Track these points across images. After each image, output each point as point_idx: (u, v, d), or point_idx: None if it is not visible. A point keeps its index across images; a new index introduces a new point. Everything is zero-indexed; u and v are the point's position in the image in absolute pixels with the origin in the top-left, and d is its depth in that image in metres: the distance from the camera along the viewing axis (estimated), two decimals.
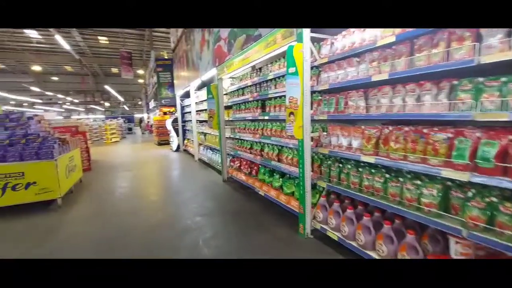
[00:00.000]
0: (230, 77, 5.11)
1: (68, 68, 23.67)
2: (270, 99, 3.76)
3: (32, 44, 16.86)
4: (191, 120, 8.29)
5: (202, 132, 7.44)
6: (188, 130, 9.59)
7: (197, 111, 7.80)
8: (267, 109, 3.88)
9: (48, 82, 25.60)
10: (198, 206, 3.92)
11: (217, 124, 5.23)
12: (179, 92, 9.57)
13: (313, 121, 2.71)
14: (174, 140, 10.32)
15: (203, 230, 3.09)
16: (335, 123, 2.71)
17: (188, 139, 9.60)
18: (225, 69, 4.57)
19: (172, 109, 12.58)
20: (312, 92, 2.75)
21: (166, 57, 13.39)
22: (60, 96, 26.06)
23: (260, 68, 4.00)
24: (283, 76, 3.35)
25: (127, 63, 16.42)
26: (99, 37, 16.74)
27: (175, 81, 10.91)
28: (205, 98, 6.51)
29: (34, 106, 27.27)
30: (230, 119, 5.22)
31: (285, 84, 2.66)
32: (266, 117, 3.77)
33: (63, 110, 31.00)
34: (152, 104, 18.73)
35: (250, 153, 4.45)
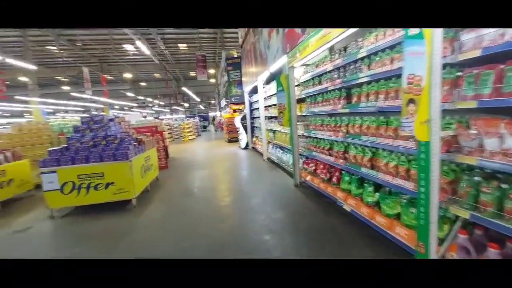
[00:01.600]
0: (303, 64, 4.33)
1: (157, 75, 27.06)
2: (359, 85, 2.84)
3: (129, 57, 19.69)
4: (259, 117, 7.89)
5: (271, 130, 6.91)
6: (256, 127, 9.27)
7: (265, 106, 7.31)
8: (354, 99, 2.97)
9: (141, 88, 29.93)
10: (266, 217, 3.33)
11: (288, 121, 4.55)
12: (247, 88, 9.32)
13: (443, 112, 1.72)
14: (243, 138, 10.19)
15: (273, 255, 2.46)
16: (489, 115, 1.65)
17: (257, 136, 9.27)
18: (297, 54, 3.82)
19: (241, 106, 12.60)
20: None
21: (235, 55, 13.58)
22: (149, 99, 30.12)
23: (344, 48, 3.10)
24: (382, 50, 2.40)
25: (202, 65, 17.43)
26: (179, 45, 18.27)
27: (243, 78, 10.79)
28: (274, 92, 5.94)
29: (132, 109, 32.38)
30: (303, 114, 4.46)
31: (403, 55, 1.74)
32: (356, 110, 2.87)
33: (154, 111, 35.91)
34: (223, 102, 19.51)
35: (329, 155, 3.61)
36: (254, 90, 8.59)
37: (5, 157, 4.46)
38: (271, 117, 7.00)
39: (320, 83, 3.72)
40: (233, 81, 12.92)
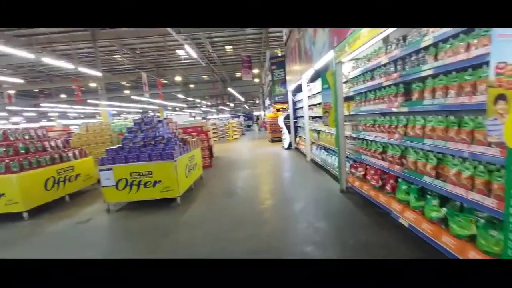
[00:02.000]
0: (353, 59, 3.94)
1: (205, 77, 28.47)
2: (422, 79, 2.42)
3: (181, 61, 21.06)
4: (302, 116, 7.59)
5: (315, 130, 6.57)
6: (299, 127, 8.97)
7: (309, 106, 6.98)
8: (415, 95, 2.54)
9: (190, 90, 31.83)
10: (309, 226, 3.10)
11: (334, 121, 4.21)
12: (291, 87, 9.07)
13: None
14: (286, 138, 9.98)
15: None
16: None
17: (300, 136, 8.97)
18: (346, 47, 3.48)
19: (285, 106, 12.40)
20: None
21: (279, 54, 13.42)
22: (197, 100, 31.84)
23: (403, 37, 2.68)
24: (454, 36, 1.97)
25: (247, 66, 17.68)
26: (226, 47, 18.82)
27: (287, 77, 10.57)
28: (319, 90, 5.61)
29: (183, 110, 34.68)
30: (351, 113, 4.07)
31: (491, 38, 1.39)
32: (417, 108, 2.46)
33: (202, 112, 37.93)
34: (267, 101, 19.51)
35: (382, 159, 3.20)
36: (298, 89, 8.32)
37: (73, 154, 5.09)
38: (315, 117, 6.66)
39: (372, 78, 3.32)
40: (277, 80, 12.78)
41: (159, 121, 4.63)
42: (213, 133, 13.25)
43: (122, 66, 19.50)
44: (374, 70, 3.26)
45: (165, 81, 26.62)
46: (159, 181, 4.03)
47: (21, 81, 15.16)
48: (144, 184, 4.02)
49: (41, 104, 21.05)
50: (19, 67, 16.98)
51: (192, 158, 5.09)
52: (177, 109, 34.30)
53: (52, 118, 27.06)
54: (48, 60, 9.07)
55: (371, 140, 3.52)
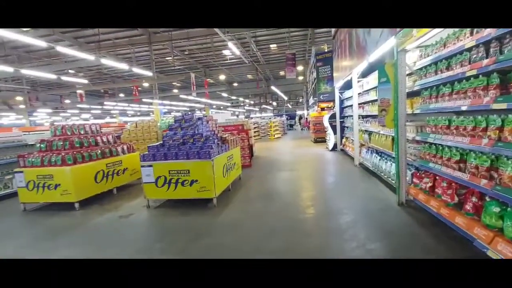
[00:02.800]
0: (420, 46, 3.26)
1: (249, 76, 28.72)
2: None
3: (226, 61, 21.52)
4: (351, 116, 6.89)
5: (366, 130, 5.86)
6: (347, 127, 8.22)
7: (359, 104, 6.27)
8: None
9: (234, 89, 32.45)
10: (359, 247, 2.60)
11: (393, 120, 3.58)
12: (338, 84, 8.36)
13: None
14: (331, 138, 9.29)
15: None
16: None
17: (347, 137, 8.22)
18: (413, 31, 2.86)
19: (330, 105, 11.67)
20: None
21: (326, 50, 12.69)
22: (241, 99, 32.30)
23: None
24: None
25: (291, 64, 17.16)
26: (271, 45, 18.57)
27: (334, 73, 9.84)
28: (373, 85, 4.96)
29: (227, 109, 35.62)
30: (416, 111, 3.40)
31: None
32: None
33: (245, 110, 38.48)
34: (311, 100, 18.74)
35: (459, 169, 2.54)
36: (346, 86, 7.63)
37: (122, 149, 5.35)
38: (367, 116, 5.94)
39: (448, 68, 2.66)
40: (322, 77, 12.10)
41: (199, 119, 4.55)
42: (255, 131, 13.11)
43: (173, 67, 20.67)
44: (452, 57, 2.60)
45: (211, 81, 27.57)
46: (196, 181, 3.92)
47: (85, 81, 17.12)
48: (181, 183, 3.95)
49: (104, 103, 23.60)
50: (89, 70, 19.28)
51: (231, 157, 4.91)
52: (221, 107, 35.34)
53: (114, 115, 30.28)
54: (106, 61, 9.99)
55: (442, 145, 2.85)
